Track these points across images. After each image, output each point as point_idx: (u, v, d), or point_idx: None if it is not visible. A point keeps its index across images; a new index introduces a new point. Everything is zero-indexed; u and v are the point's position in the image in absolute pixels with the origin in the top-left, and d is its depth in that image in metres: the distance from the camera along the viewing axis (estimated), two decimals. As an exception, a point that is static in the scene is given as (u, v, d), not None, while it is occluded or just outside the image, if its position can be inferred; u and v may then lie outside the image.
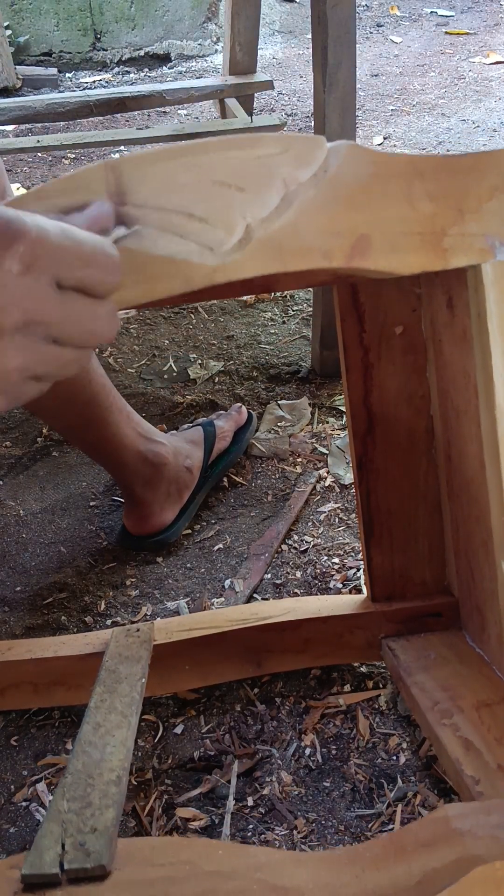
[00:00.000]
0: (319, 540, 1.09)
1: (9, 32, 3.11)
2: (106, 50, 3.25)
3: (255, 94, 1.96)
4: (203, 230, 0.49)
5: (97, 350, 1.47)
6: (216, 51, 3.32)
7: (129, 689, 0.73)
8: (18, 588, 1.06)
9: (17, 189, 2.16)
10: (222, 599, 1.01)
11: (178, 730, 0.87)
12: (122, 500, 1.14)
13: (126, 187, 0.48)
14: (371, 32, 3.47)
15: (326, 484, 1.18)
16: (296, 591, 1.02)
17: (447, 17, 3.63)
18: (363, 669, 0.91)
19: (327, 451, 1.24)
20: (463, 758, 0.69)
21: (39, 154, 2.46)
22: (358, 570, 1.03)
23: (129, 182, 0.48)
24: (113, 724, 0.68)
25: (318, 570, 1.04)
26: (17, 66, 3.06)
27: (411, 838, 0.56)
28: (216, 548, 1.10)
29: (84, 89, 3.05)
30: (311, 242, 0.52)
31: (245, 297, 1.64)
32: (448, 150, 2.33)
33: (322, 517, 1.13)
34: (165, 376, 1.45)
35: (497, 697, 0.74)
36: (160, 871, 0.54)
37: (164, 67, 3.26)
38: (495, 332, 0.58)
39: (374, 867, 0.55)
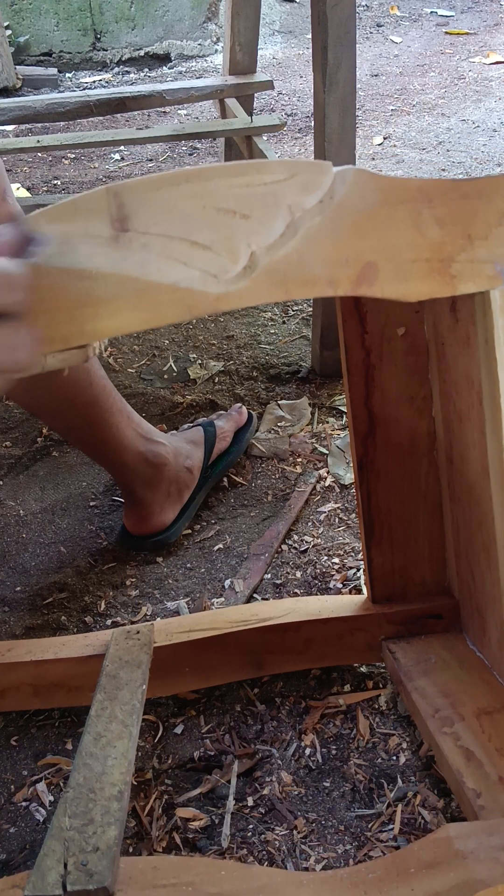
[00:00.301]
0: (319, 540, 1.09)
1: (9, 32, 3.11)
2: (106, 50, 3.25)
3: (255, 94, 1.95)
4: (207, 257, 0.49)
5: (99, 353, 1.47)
6: (216, 51, 3.32)
7: (129, 697, 0.73)
8: (18, 588, 1.06)
9: (17, 189, 2.16)
10: (222, 599, 1.01)
11: (178, 730, 0.87)
12: (122, 500, 1.14)
13: (128, 213, 0.48)
14: (371, 32, 3.47)
15: (326, 484, 1.18)
16: (296, 591, 1.02)
17: (447, 17, 3.63)
18: (363, 669, 0.91)
19: (327, 451, 1.24)
20: (464, 769, 0.69)
21: (39, 154, 2.46)
22: (358, 570, 1.03)
23: (132, 208, 0.48)
24: (114, 734, 0.68)
25: (318, 570, 1.04)
26: (17, 66, 3.06)
27: (414, 859, 0.56)
28: (216, 548, 1.10)
29: (84, 89, 3.05)
30: (316, 271, 0.51)
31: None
32: (448, 151, 2.33)
33: (322, 517, 1.13)
34: (165, 376, 1.45)
35: (498, 705, 0.74)
36: (162, 893, 0.54)
37: (164, 67, 3.26)
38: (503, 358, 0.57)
39: (377, 889, 0.55)
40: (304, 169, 0.50)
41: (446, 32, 3.42)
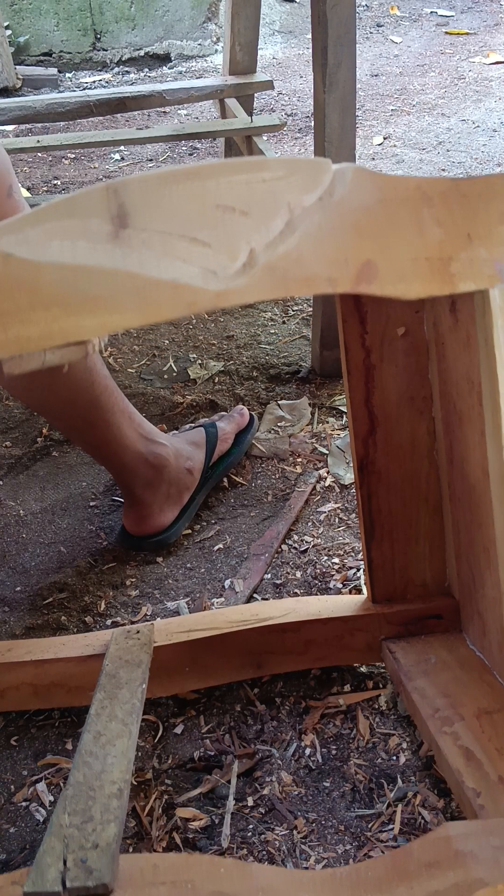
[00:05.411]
0: (319, 540, 1.09)
1: (9, 32, 3.11)
2: (106, 50, 3.25)
3: (255, 94, 1.95)
4: (206, 255, 0.49)
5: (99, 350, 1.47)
6: (216, 51, 3.32)
7: (129, 696, 0.73)
8: (18, 588, 1.06)
9: (17, 189, 2.16)
10: (222, 599, 1.01)
11: (178, 730, 0.87)
12: (122, 500, 1.14)
13: (128, 210, 0.48)
14: (371, 32, 3.47)
15: (326, 484, 1.18)
16: (296, 591, 1.02)
17: (447, 17, 3.63)
18: (363, 669, 0.91)
19: (327, 451, 1.24)
20: (464, 769, 0.69)
21: (39, 154, 2.45)
22: (358, 569, 1.03)
23: (131, 205, 0.48)
24: (114, 733, 0.68)
25: (318, 570, 1.04)
26: (17, 66, 3.06)
27: (413, 859, 0.56)
28: (216, 548, 1.10)
29: (84, 89, 3.05)
30: (315, 269, 0.51)
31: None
32: (448, 151, 2.33)
33: (322, 517, 1.13)
34: (165, 376, 1.45)
35: (498, 706, 0.74)
36: (162, 890, 0.54)
37: (164, 67, 3.26)
38: (503, 357, 0.57)
39: (377, 889, 0.55)
40: (304, 167, 0.50)
41: (446, 32, 3.42)
